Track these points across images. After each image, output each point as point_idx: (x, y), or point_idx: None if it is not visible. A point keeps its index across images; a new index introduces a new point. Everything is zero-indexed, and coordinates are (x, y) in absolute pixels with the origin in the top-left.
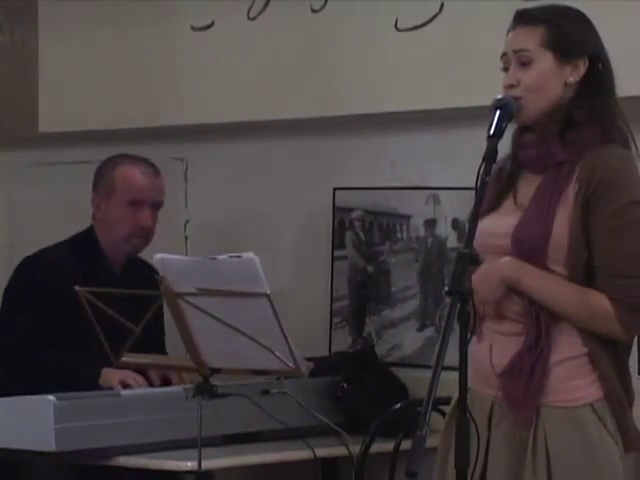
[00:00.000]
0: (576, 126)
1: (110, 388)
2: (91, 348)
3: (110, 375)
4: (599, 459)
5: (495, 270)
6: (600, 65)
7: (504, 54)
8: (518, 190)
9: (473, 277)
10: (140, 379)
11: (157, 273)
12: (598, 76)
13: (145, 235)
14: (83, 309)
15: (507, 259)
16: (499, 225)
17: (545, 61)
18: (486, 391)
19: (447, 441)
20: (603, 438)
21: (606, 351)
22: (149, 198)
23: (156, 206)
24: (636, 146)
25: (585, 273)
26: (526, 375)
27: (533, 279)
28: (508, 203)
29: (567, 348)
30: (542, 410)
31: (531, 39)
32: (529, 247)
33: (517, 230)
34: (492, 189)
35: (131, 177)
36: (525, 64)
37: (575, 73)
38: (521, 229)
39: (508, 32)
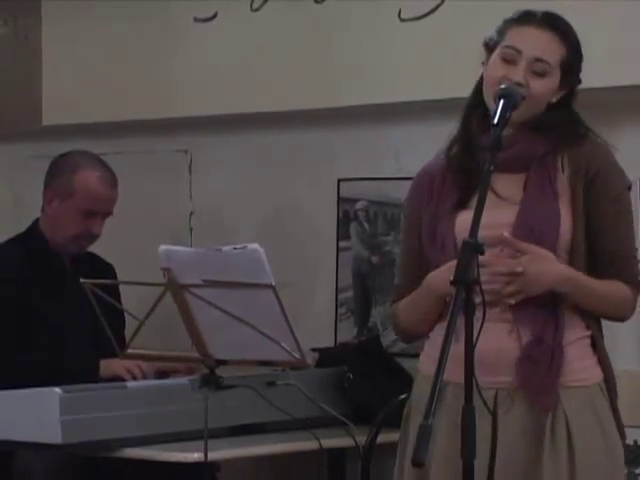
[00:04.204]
0: (548, 125)
1: (115, 378)
2: (59, 344)
3: (109, 366)
4: (611, 437)
5: (548, 280)
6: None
7: (518, 49)
8: (496, 187)
9: (527, 267)
10: (143, 366)
11: (105, 264)
12: (570, 100)
13: (92, 239)
14: (37, 307)
15: (560, 270)
16: (495, 217)
17: (555, 79)
18: (488, 379)
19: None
20: (609, 418)
21: (602, 336)
22: (104, 209)
23: (108, 215)
24: None
25: (586, 260)
26: (546, 361)
27: (581, 290)
28: (488, 199)
29: (575, 329)
30: (560, 391)
31: (556, 52)
32: (541, 233)
33: (524, 218)
34: (448, 191)
35: (91, 186)
36: (539, 74)
37: (558, 95)
38: (528, 216)
39: (525, 24)
